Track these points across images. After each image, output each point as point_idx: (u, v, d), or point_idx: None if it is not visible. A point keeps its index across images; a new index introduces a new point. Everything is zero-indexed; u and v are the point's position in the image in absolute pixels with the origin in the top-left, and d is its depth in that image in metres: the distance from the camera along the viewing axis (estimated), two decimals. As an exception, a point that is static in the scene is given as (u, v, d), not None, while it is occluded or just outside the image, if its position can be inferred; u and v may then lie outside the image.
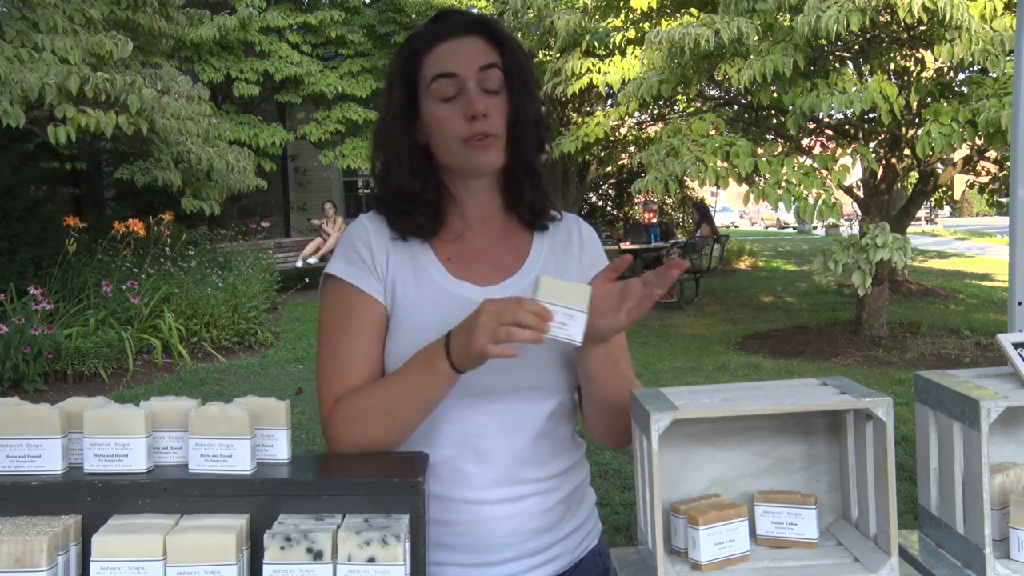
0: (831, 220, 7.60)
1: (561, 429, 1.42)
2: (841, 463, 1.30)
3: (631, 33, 10.34)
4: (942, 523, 1.30)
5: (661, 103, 11.20)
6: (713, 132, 8.32)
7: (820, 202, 7.51)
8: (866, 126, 9.03)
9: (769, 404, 1.18)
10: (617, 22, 10.71)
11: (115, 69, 8.67)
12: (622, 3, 10.41)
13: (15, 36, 7.92)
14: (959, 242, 27.38)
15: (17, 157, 9.68)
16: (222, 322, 9.08)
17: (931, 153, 7.27)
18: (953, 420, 1.25)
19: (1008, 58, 7.05)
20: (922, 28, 7.60)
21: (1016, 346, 1.26)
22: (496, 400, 1.35)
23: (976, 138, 7.30)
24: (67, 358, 7.39)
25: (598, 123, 10.82)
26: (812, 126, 9.33)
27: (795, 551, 1.23)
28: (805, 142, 9.67)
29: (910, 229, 9.87)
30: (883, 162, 9.11)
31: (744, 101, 9.68)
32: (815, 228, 25.37)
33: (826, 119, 8.94)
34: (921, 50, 8.21)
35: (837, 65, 8.52)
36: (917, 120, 8.29)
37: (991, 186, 10.67)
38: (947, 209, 15.97)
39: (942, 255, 21.83)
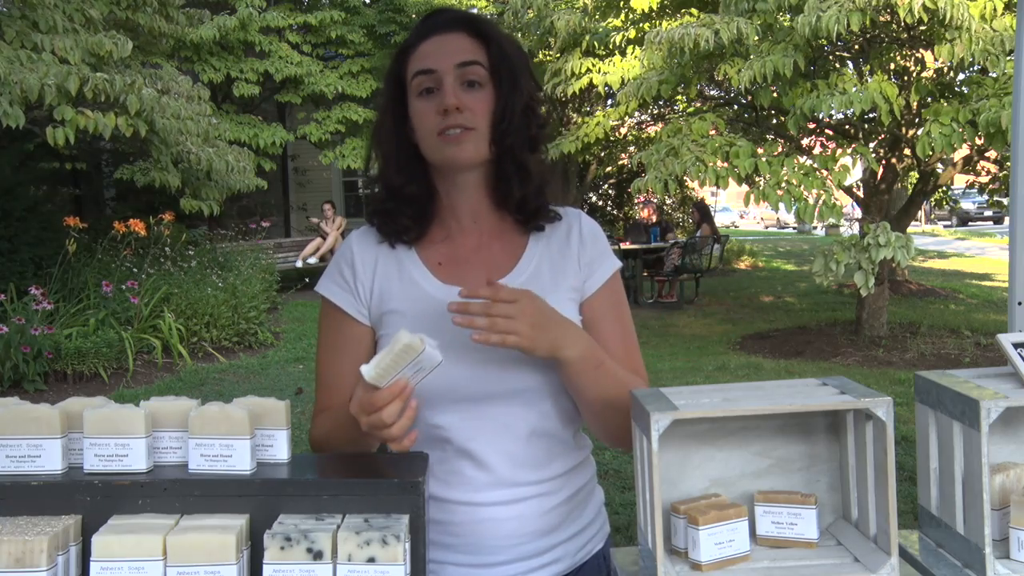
0: (831, 220, 7.60)
1: (560, 430, 1.41)
2: (841, 463, 1.30)
3: (631, 33, 10.35)
4: (942, 523, 1.30)
5: (661, 103, 11.20)
6: (713, 132, 8.32)
7: (820, 202, 7.51)
8: (866, 126, 9.03)
9: (769, 404, 1.18)
10: (617, 22, 10.72)
11: (115, 69, 8.67)
12: (622, 3, 10.41)
13: (15, 36, 7.92)
14: (959, 242, 27.40)
15: (17, 157, 9.68)
16: (222, 322, 9.08)
17: (931, 153, 7.27)
18: (953, 420, 1.25)
19: (1008, 58, 7.05)
20: (922, 28, 7.60)
21: (1016, 346, 1.26)
22: (485, 405, 1.34)
23: (976, 138, 7.30)
24: (67, 358, 7.39)
25: (598, 123, 10.82)
26: (812, 126, 9.33)
27: (795, 551, 1.23)
28: (805, 142, 9.67)
29: (910, 229, 9.87)
30: (883, 162, 9.12)
31: (744, 101, 9.69)
32: (815, 228, 25.38)
33: (826, 119, 8.94)
34: (921, 50, 8.21)
35: (837, 65, 8.52)
36: (917, 120, 8.29)
37: (991, 186, 10.67)
38: (947, 209, 15.96)
39: (942, 255, 21.84)
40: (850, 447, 1.28)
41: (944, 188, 12.16)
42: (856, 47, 8.54)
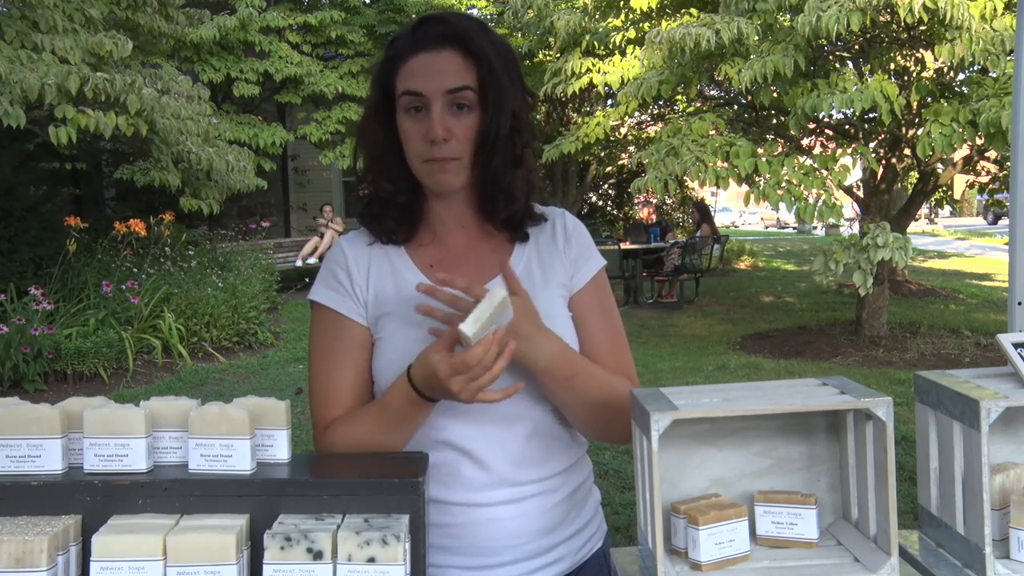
0: (831, 220, 7.60)
1: (557, 428, 1.42)
2: (841, 463, 1.30)
3: (631, 33, 10.35)
4: (942, 523, 1.30)
5: (661, 103, 11.20)
6: (713, 132, 8.32)
7: (820, 202, 7.51)
8: (866, 126, 9.03)
9: (769, 404, 1.18)
10: (617, 22, 10.72)
11: (115, 69, 8.67)
12: (622, 3, 10.41)
13: (15, 36, 7.92)
14: (959, 242, 27.40)
15: (17, 157, 9.68)
16: (222, 322, 9.08)
17: (931, 153, 7.27)
18: (953, 420, 1.25)
19: (1008, 58, 7.05)
20: (922, 28, 7.60)
21: (1016, 346, 1.26)
22: (485, 405, 1.34)
23: (976, 138, 7.30)
24: (67, 358, 7.40)
25: (598, 123, 10.82)
26: (812, 126, 9.34)
27: (795, 551, 1.23)
28: (805, 142, 9.68)
29: (910, 229, 9.87)
30: (883, 162, 9.12)
31: (744, 101, 9.69)
32: (815, 228, 25.38)
33: (826, 119, 8.94)
34: (921, 50, 8.21)
35: (837, 65, 8.52)
36: (917, 120, 8.29)
37: (991, 186, 10.67)
38: (947, 209, 15.96)
39: (942, 255, 21.84)
40: (850, 447, 1.28)
41: (944, 188, 12.14)
42: (856, 47, 8.54)
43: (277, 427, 1.26)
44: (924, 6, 6.78)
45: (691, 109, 10.73)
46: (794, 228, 36.37)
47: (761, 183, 7.66)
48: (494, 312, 1.18)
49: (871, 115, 8.40)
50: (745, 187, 8.01)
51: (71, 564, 1.14)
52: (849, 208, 11.90)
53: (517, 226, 1.44)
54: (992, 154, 9.20)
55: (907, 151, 8.91)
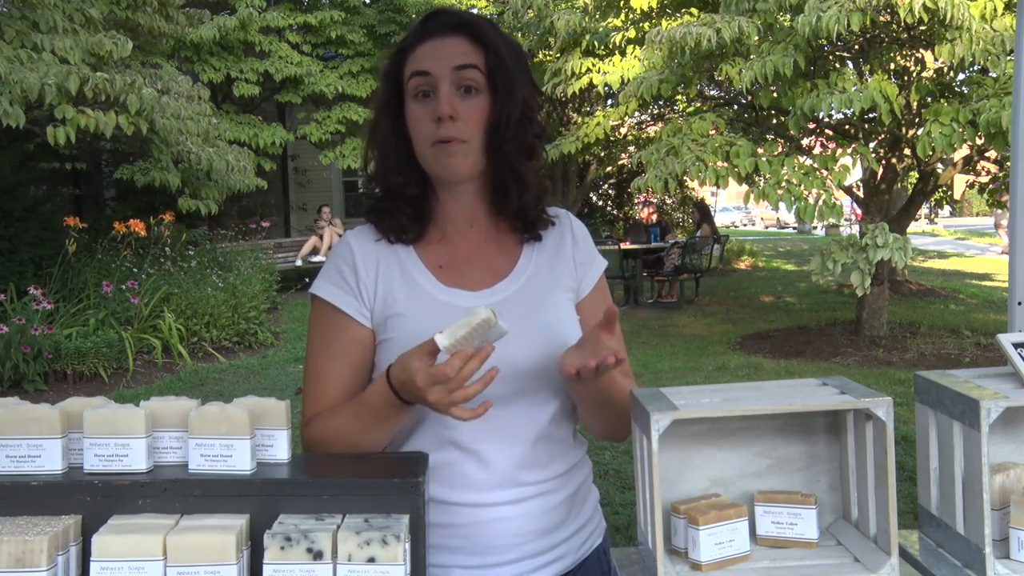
0: (831, 220, 7.60)
1: (560, 431, 1.42)
2: (841, 463, 1.30)
3: (631, 33, 10.35)
4: (942, 523, 1.30)
5: (661, 103, 11.20)
6: (713, 132, 8.32)
7: (820, 202, 7.51)
8: (866, 126, 9.03)
9: (769, 404, 1.18)
10: (617, 22, 10.72)
11: (115, 69, 8.67)
12: (622, 3, 10.41)
13: (15, 36, 7.92)
14: (959, 242, 27.39)
15: (17, 157, 9.68)
16: (222, 322, 9.08)
17: (931, 153, 7.27)
18: (953, 420, 1.25)
19: (1008, 58, 7.05)
20: (922, 28, 7.60)
21: (1016, 346, 1.26)
22: (495, 407, 1.33)
23: (976, 138, 7.30)
24: (67, 358, 7.40)
25: (598, 123, 10.82)
26: (812, 126, 9.34)
27: (795, 551, 1.23)
28: (805, 142, 9.67)
29: (910, 229, 9.87)
30: (883, 162, 9.12)
31: (744, 101, 9.69)
32: (815, 228, 25.37)
33: (826, 119, 8.94)
34: (921, 50, 8.21)
35: (837, 65, 8.52)
36: (917, 120, 8.29)
37: (991, 186, 10.67)
38: (947, 209, 15.95)
39: (942, 255, 21.84)
40: (850, 447, 1.28)
41: (944, 188, 12.15)
42: (856, 47, 8.54)
43: (277, 427, 1.26)
44: (924, 6, 6.78)
45: (691, 109, 10.73)
46: (794, 228, 36.36)
47: (761, 183, 7.66)
48: (474, 330, 1.16)
49: (871, 115, 8.40)
50: (745, 187, 8.01)
51: (71, 564, 1.14)
52: (849, 208, 11.90)
53: (529, 222, 1.43)
54: (992, 154, 9.20)
55: (907, 151, 8.91)
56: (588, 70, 10.98)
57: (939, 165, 9.41)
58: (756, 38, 7.89)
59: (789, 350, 8.96)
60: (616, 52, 10.86)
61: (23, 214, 8.84)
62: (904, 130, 8.54)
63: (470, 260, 1.42)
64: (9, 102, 6.97)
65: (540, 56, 13.03)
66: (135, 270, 9.13)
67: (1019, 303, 1.98)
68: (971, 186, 11.20)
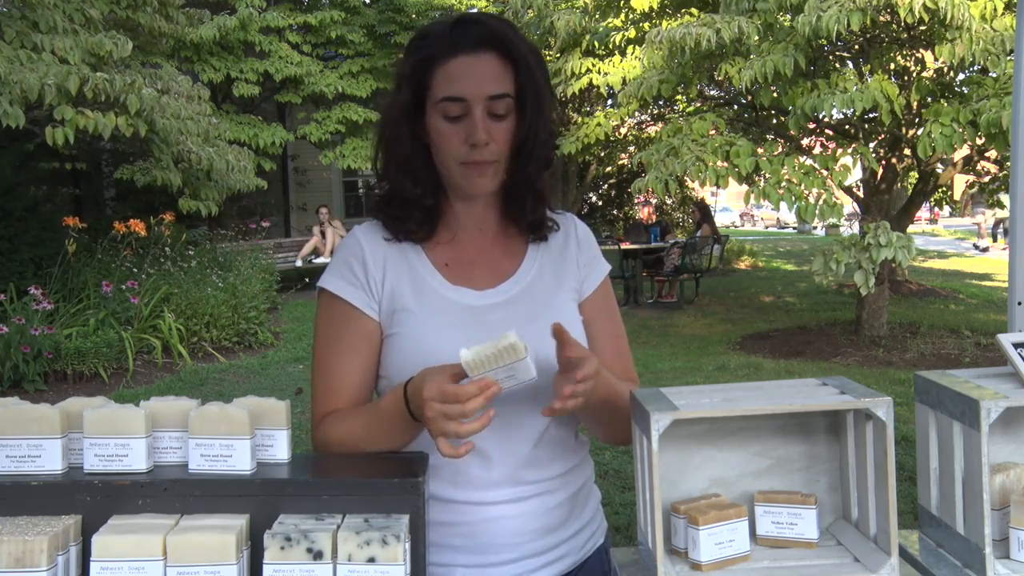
0: (832, 220, 7.60)
1: (562, 432, 1.43)
2: (841, 463, 1.30)
3: (631, 33, 10.35)
4: (942, 523, 1.30)
5: (661, 103, 11.20)
6: (713, 132, 8.32)
7: (821, 202, 7.51)
8: (866, 126, 9.03)
9: (769, 404, 1.18)
10: (617, 22, 10.72)
11: (115, 69, 8.67)
12: (622, 3, 10.41)
13: (15, 36, 7.92)
14: (959, 242, 27.39)
15: (17, 157, 9.69)
16: (222, 322, 9.08)
17: (931, 153, 7.27)
18: (953, 420, 1.25)
19: (1008, 58, 7.04)
20: (922, 28, 7.60)
21: (1016, 346, 1.26)
22: (500, 405, 1.32)
23: (977, 138, 7.30)
24: (67, 358, 7.40)
25: (598, 124, 10.82)
26: (812, 126, 9.34)
27: (795, 551, 1.23)
28: (805, 142, 9.67)
29: (910, 229, 9.87)
30: (883, 162, 9.11)
31: (744, 101, 9.69)
32: (815, 228, 25.36)
33: (826, 119, 8.94)
34: (921, 50, 8.21)
35: (837, 65, 8.52)
36: (917, 120, 8.29)
37: (991, 186, 10.67)
38: (947, 209, 15.97)
39: (942, 255, 21.83)
40: (850, 447, 1.28)
41: (944, 188, 12.14)
42: (856, 47, 8.54)
43: (277, 427, 1.26)
44: (924, 6, 6.78)
45: (691, 109, 10.73)
46: (794, 228, 36.34)
47: (761, 182, 7.66)
48: (499, 352, 1.14)
49: (871, 115, 8.39)
50: (745, 187, 8.01)
51: (71, 564, 1.14)
52: (849, 208, 11.89)
53: (536, 225, 1.46)
54: (992, 154, 9.20)
55: (907, 151, 8.90)
56: (588, 70, 10.97)
57: (939, 165, 9.40)
58: (756, 38, 7.89)
59: (789, 350, 8.96)
60: (616, 52, 10.85)
61: (23, 214, 8.84)
62: (904, 130, 8.54)
63: (476, 260, 1.43)
64: (9, 102, 6.97)
65: (540, 56, 13.01)
66: (135, 270, 9.12)
67: (1019, 303, 1.98)
68: (971, 186, 11.20)
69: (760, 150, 7.91)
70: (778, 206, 7.73)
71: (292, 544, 1.09)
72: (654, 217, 16.25)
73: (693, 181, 8.40)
